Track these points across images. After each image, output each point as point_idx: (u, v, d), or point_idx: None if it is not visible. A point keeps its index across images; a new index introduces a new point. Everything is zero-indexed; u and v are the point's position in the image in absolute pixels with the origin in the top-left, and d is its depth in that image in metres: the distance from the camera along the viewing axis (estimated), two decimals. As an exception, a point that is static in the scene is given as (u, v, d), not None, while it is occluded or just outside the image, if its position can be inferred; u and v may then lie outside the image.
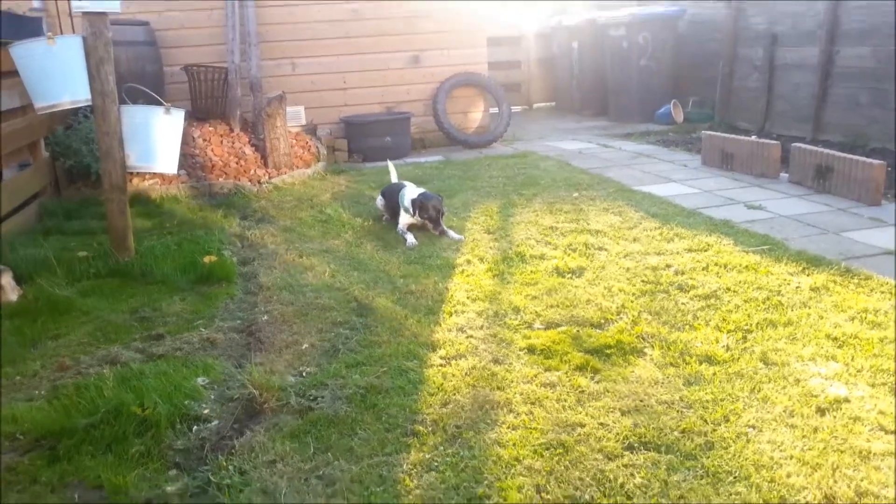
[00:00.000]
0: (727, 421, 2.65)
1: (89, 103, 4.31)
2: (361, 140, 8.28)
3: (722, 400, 2.78)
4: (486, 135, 9.09)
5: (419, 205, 5.00)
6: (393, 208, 5.30)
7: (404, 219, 5.12)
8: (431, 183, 6.74)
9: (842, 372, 2.96)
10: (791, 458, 2.42)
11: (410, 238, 4.92)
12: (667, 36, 10.32)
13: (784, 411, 2.70)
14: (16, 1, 6.84)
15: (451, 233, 5.04)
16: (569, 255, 4.51)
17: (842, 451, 2.44)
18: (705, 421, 2.65)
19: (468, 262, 4.47)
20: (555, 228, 5.09)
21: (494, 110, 9.26)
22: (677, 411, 2.72)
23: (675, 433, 2.57)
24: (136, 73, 6.60)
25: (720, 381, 2.92)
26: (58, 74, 4.24)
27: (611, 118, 11.01)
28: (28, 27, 5.75)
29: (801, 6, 8.24)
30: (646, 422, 2.65)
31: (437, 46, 8.84)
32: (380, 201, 5.54)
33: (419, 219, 5.04)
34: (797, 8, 8.32)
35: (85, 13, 4.18)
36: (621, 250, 4.57)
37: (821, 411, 2.69)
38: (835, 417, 2.64)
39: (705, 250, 4.49)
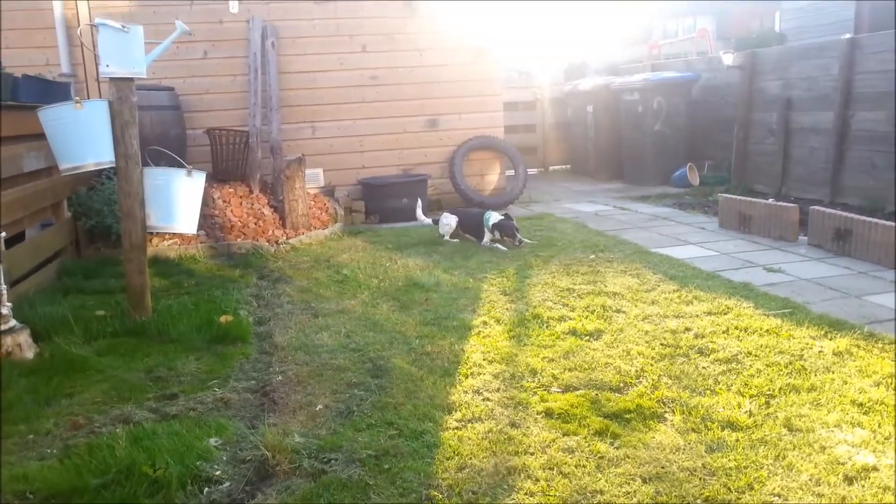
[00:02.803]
0: (752, 489, 2.57)
1: (113, 165, 4.39)
2: (378, 201, 8.36)
3: (746, 467, 2.71)
4: (502, 196, 9.16)
5: (501, 227, 6.61)
6: (475, 228, 6.82)
7: (488, 236, 6.69)
8: (447, 244, 6.76)
9: (869, 439, 2.88)
10: (820, 529, 2.33)
11: (499, 246, 6.60)
12: (681, 100, 10.45)
13: (810, 479, 2.61)
14: (47, 66, 7.09)
15: (525, 240, 6.63)
16: (586, 317, 4.47)
17: (873, 523, 2.36)
18: (729, 489, 2.57)
19: (484, 323, 4.45)
20: (572, 290, 5.06)
21: (511, 172, 9.34)
22: (700, 479, 2.64)
23: (699, 501, 2.50)
24: (160, 136, 6.74)
25: (743, 448, 2.85)
26: (83, 137, 4.31)
27: (626, 181, 11.06)
28: (57, 92, 5.92)
29: (816, 70, 8.33)
30: (668, 489, 2.58)
31: (454, 111, 8.99)
32: (453, 220, 6.92)
33: (498, 235, 6.64)
34: (811, 72, 8.41)
35: (112, 79, 4.29)
36: (639, 313, 4.52)
37: (848, 480, 2.60)
38: (863, 487, 2.56)
39: (725, 313, 4.44)
